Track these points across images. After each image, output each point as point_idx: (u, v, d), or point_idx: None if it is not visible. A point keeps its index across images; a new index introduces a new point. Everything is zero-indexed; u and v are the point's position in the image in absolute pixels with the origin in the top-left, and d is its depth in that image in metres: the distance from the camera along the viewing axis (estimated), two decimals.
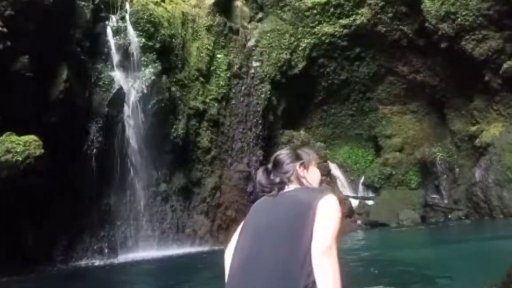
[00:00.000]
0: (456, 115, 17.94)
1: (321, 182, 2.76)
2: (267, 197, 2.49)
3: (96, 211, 11.72)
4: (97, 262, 10.92)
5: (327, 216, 2.24)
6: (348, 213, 17.33)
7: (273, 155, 2.62)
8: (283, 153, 2.59)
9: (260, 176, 2.53)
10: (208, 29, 15.67)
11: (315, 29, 18.28)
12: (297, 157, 2.58)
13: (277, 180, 2.47)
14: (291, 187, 2.47)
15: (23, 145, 9.15)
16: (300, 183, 2.50)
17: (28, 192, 9.51)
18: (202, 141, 14.58)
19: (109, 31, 12.85)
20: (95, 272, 9.92)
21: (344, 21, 18.23)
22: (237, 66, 16.34)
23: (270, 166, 2.56)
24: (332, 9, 18.08)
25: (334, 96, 19.92)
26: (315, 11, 18.09)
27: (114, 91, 12.20)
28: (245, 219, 2.51)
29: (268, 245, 2.27)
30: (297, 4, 18.03)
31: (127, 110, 12.61)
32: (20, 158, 9.04)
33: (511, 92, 15.81)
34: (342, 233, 2.33)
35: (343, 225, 2.30)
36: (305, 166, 2.55)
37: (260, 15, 18.37)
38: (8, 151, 8.99)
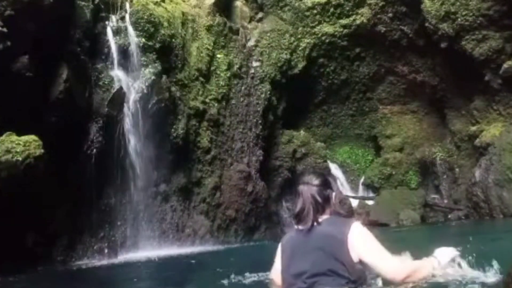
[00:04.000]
0: (456, 115, 17.92)
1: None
2: (298, 233, 2.73)
3: (96, 211, 11.71)
4: (97, 262, 10.91)
5: (367, 245, 2.60)
6: (348, 213, 17.34)
7: (320, 175, 2.91)
8: (325, 178, 2.89)
9: (315, 190, 2.73)
10: (208, 29, 15.67)
11: (315, 29, 18.28)
12: (331, 187, 2.87)
13: (321, 203, 2.72)
14: (325, 215, 2.73)
15: (23, 145, 9.14)
16: (334, 211, 2.78)
17: (28, 192, 9.50)
18: (202, 141, 14.58)
19: (109, 31, 12.84)
20: (95, 272, 9.91)
21: (344, 21, 18.22)
22: (237, 66, 16.34)
23: (320, 183, 2.80)
24: (332, 9, 18.07)
25: (334, 96, 19.92)
26: (315, 11, 18.09)
27: (114, 91, 12.19)
28: (282, 258, 2.79)
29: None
30: (297, 4, 18.03)
31: (127, 110, 12.60)
32: (20, 158, 9.03)
33: (511, 92, 15.80)
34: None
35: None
36: (336, 196, 2.89)
37: (260, 15, 18.37)
38: (8, 151, 8.98)
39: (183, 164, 13.91)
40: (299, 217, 2.68)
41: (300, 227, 2.68)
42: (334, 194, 2.79)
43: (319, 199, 2.69)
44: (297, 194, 2.75)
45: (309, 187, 2.71)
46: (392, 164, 18.94)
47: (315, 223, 2.64)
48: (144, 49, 13.31)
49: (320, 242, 2.59)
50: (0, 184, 8.84)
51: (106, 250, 11.55)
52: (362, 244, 2.57)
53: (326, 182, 2.82)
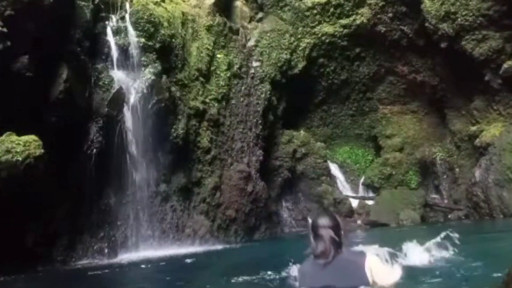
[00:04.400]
0: (456, 115, 17.93)
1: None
2: (317, 264, 3.39)
3: (96, 211, 11.72)
4: (97, 262, 10.91)
5: (376, 266, 3.44)
6: (348, 213, 17.35)
7: (331, 216, 3.65)
8: (336, 219, 3.60)
9: (333, 232, 3.44)
10: (208, 29, 15.67)
11: (315, 29, 18.29)
12: (341, 225, 3.58)
13: (338, 241, 3.46)
14: (342, 249, 3.49)
15: (23, 145, 9.15)
16: (346, 244, 3.57)
17: (28, 192, 9.50)
18: (202, 141, 14.58)
19: (109, 31, 12.84)
20: (95, 272, 9.91)
21: (344, 21, 18.23)
22: (237, 66, 16.34)
23: (335, 225, 3.53)
24: (332, 9, 18.08)
25: (334, 96, 19.93)
26: (315, 11, 18.10)
27: (114, 91, 12.19)
28: (303, 281, 3.45)
29: None
30: (297, 4, 18.03)
31: (127, 110, 12.60)
32: (20, 158, 9.04)
33: (511, 92, 15.81)
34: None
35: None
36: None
37: (260, 15, 18.38)
38: (8, 151, 8.99)
39: (183, 164, 13.91)
40: (322, 256, 3.39)
41: (321, 261, 3.39)
42: (343, 232, 3.57)
43: (336, 238, 3.43)
44: (318, 236, 3.48)
45: (327, 231, 3.45)
46: (392, 164, 18.95)
47: (337, 253, 3.41)
48: (144, 49, 13.31)
49: (343, 264, 3.34)
50: (0, 184, 8.85)
51: (106, 250, 11.55)
52: (373, 266, 3.38)
53: (338, 222, 3.56)
